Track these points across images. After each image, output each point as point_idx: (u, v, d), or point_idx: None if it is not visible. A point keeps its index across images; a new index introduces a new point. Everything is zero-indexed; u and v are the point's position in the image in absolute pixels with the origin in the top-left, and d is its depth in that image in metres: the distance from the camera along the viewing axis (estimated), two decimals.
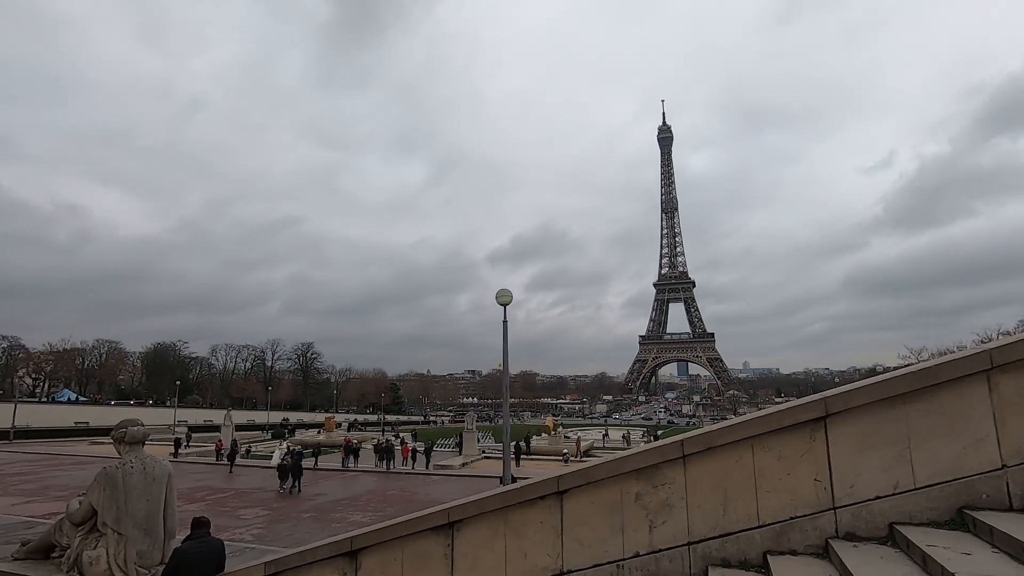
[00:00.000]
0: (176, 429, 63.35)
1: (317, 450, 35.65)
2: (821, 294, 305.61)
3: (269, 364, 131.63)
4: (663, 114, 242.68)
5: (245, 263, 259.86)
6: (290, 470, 23.91)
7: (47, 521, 19.57)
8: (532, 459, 35.02)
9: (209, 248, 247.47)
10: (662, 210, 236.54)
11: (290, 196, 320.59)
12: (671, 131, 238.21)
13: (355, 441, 37.45)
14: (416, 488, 27.09)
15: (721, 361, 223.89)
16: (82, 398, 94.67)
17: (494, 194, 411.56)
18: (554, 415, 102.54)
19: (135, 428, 7.43)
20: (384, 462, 32.38)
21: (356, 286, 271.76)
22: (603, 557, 4.77)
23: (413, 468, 32.71)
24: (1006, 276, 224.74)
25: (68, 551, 7.00)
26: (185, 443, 41.69)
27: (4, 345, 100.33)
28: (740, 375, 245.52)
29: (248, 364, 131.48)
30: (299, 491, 23.64)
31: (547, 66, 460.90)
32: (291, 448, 31.77)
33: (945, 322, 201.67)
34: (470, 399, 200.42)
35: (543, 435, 48.01)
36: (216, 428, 59.59)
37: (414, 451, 34.58)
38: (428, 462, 33.49)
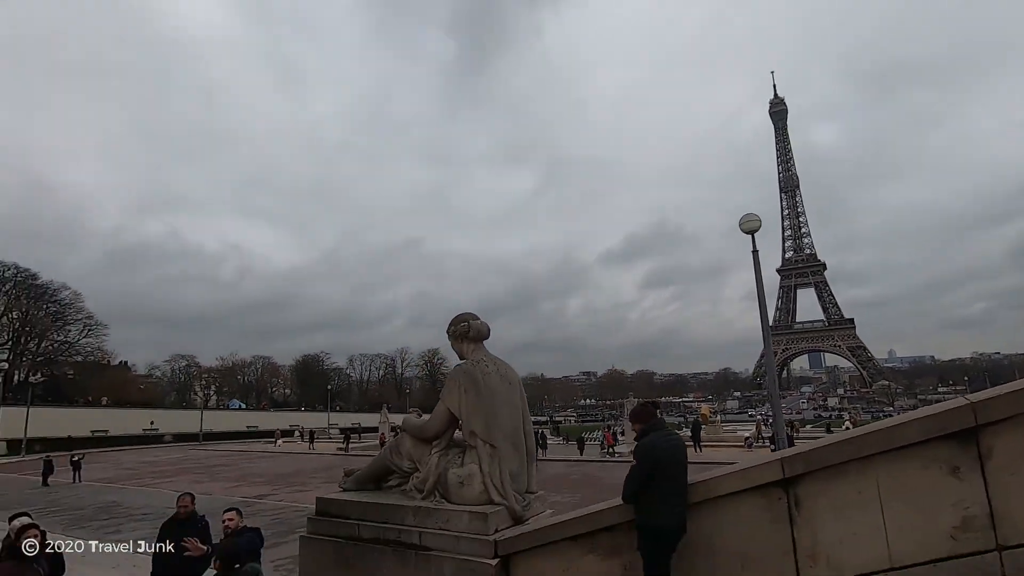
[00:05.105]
0: (331, 431, 68.62)
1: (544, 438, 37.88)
2: (980, 270, 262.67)
3: (399, 371, 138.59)
4: (774, 86, 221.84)
5: (373, 284, 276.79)
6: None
7: (260, 501, 20.35)
8: (708, 445, 32.68)
9: (345, 273, 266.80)
10: (781, 190, 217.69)
11: (412, 216, 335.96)
12: (784, 103, 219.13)
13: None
14: (596, 473, 26.80)
15: (865, 349, 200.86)
16: (249, 407, 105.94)
17: (602, 195, 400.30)
18: (709, 403, 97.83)
19: (478, 321, 5.99)
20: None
21: (472, 297, 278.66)
22: None
23: (582, 456, 33.24)
24: None
25: (414, 475, 5.83)
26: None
27: (183, 364, 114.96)
28: (886, 365, 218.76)
29: (381, 372, 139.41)
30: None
31: (649, 58, 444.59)
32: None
33: None
34: (588, 400, 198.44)
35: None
36: (363, 431, 66.58)
37: (615, 436, 36.73)
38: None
